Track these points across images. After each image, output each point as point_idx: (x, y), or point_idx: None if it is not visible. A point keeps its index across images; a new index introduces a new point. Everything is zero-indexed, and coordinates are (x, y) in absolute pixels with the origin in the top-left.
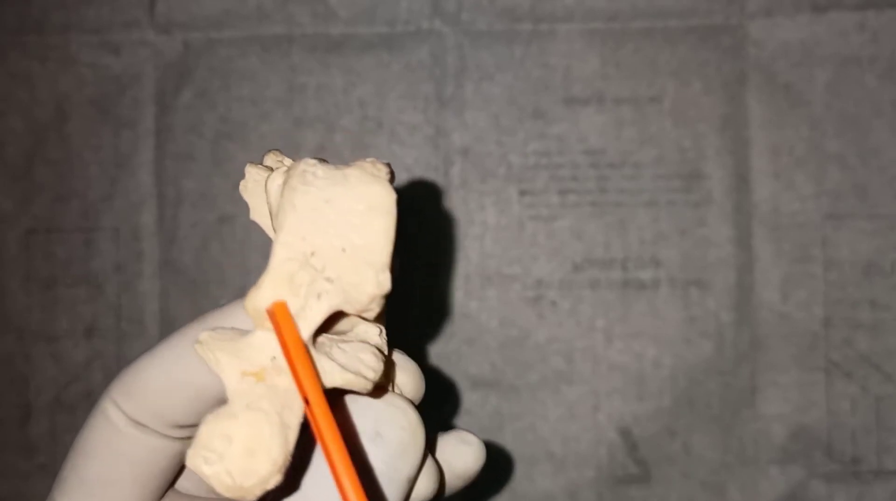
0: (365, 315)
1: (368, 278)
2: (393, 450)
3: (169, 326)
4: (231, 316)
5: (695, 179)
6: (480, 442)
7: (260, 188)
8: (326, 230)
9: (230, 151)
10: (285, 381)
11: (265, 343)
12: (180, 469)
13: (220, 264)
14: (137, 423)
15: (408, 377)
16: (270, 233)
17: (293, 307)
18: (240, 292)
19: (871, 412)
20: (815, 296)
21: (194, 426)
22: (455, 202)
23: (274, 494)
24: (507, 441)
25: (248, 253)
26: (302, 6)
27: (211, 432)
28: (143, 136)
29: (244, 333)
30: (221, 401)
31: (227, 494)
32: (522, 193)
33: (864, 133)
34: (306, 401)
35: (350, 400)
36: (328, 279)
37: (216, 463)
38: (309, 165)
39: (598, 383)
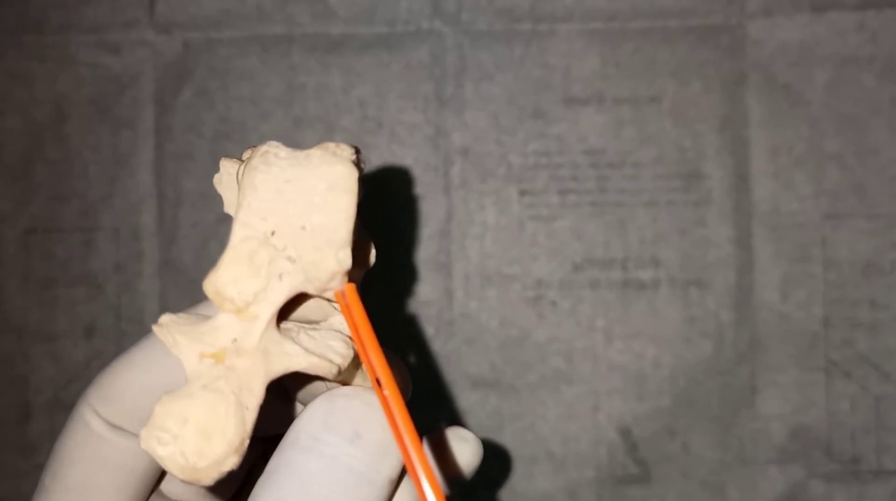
0: (326, 295)
1: (328, 255)
2: (373, 451)
3: None
4: (205, 309)
5: (694, 179)
6: (477, 439)
7: (234, 180)
8: (287, 210)
9: (230, 150)
10: (245, 362)
11: (226, 326)
12: (163, 471)
13: None
14: (117, 427)
15: (395, 374)
16: None
17: (252, 288)
18: None
19: (870, 412)
20: (815, 296)
21: None
22: (455, 202)
23: (233, 479)
24: (507, 441)
25: None
26: (302, 6)
27: (165, 412)
28: (142, 135)
29: (206, 317)
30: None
31: (182, 476)
32: (522, 193)
33: (863, 133)
34: (378, 384)
35: (329, 397)
36: (289, 259)
37: (170, 444)
38: (272, 147)
39: (597, 383)
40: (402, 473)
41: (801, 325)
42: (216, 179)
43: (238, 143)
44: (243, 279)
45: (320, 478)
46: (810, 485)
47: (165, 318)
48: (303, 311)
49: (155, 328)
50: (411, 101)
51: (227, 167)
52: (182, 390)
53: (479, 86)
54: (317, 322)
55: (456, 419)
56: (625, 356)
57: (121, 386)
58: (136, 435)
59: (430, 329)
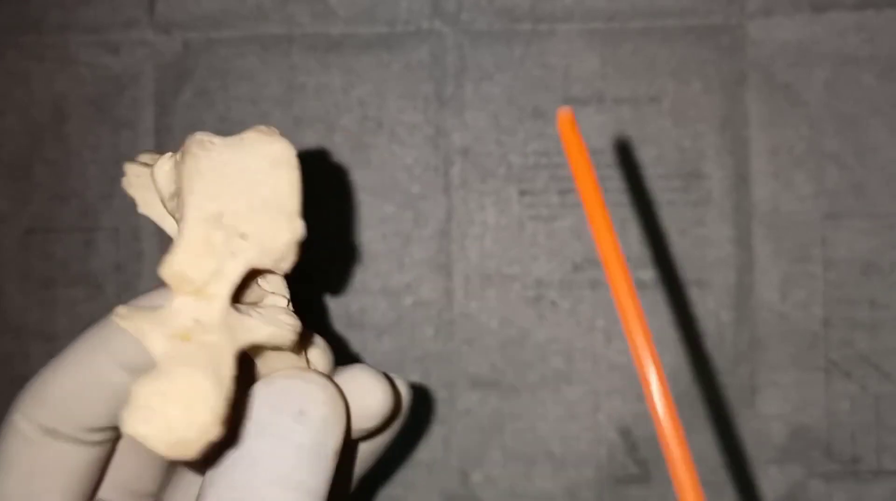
0: (282, 265)
1: (282, 226)
2: (318, 426)
3: None
4: (148, 300)
5: (694, 179)
6: (383, 378)
7: (145, 180)
8: (234, 190)
9: None
10: (213, 338)
11: (186, 308)
12: (101, 474)
13: None
14: (51, 430)
15: (318, 352)
16: (162, 223)
17: (209, 268)
18: None
19: (870, 412)
20: (815, 296)
21: (109, 428)
22: (455, 202)
23: (215, 451)
24: (507, 441)
25: None
26: (301, 6)
27: (146, 392)
28: (142, 135)
29: (160, 305)
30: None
31: (169, 452)
32: (522, 193)
33: (863, 133)
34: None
35: (269, 382)
36: (242, 236)
37: (154, 421)
38: (204, 135)
39: (597, 383)
40: (343, 444)
41: (801, 325)
42: (124, 182)
43: None
44: (200, 260)
45: (271, 457)
46: (810, 485)
47: (123, 309)
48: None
49: (116, 319)
50: (411, 101)
51: (134, 170)
52: (156, 370)
53: (479, 86)
54: (255, 304)
55: (456, 420)
56: (625, 357)
57: (54, 388)
58: (71, 437)
59: (429, 329)
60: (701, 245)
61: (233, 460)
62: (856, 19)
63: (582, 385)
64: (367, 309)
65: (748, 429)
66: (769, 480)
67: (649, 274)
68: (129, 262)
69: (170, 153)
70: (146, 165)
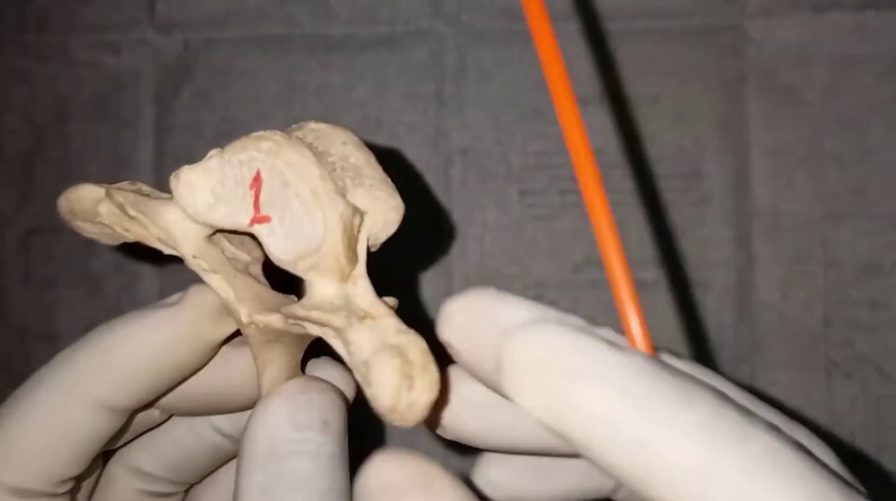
0: (383, 237)
1: (391, 199)
2: (340, 429)
3: None
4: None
5: (694, 179)
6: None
7: (133, 202)
8: (345, 174)
9: None
10: (368, 314)
11: (340, 291)
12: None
13: None
14: (21, 491)
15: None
16: (161, 243)
17: (352, 250)
18: None
19: (870, 412)
20: (815, 296)
21: (81, 475)
22: (455, 202)
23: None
24: None
25: None
26: (302, 6)
27: (384, 369)
28: (142, 135)
29: (292, 300)
30: (111, 438)
31: (403, 419)
32: (522, 193)
33: (863, 133)
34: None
35: (285, 398)
36: (363, 215)
37: (387, 390)
38: (267, 133)
39: None
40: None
41: (802, 325)
42: (107, 216)
43: None
44: (346, 247)
45: (314, 477)
46: None
47: (299, 311)
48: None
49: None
50: (411, 101)
51: (120, 198)
52: (375, 352)
53: (479, 86)
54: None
55: None
56: None
57: (17, 446)
58: (44, 494)
59: (429, 329)
60: (701, 245)
61: (277, 486)
62: (856, 20)
63: None
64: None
65: None
66: None
67: (650, 274)
68: (129, 262)
69: (189, 166)
70: (129, 190)
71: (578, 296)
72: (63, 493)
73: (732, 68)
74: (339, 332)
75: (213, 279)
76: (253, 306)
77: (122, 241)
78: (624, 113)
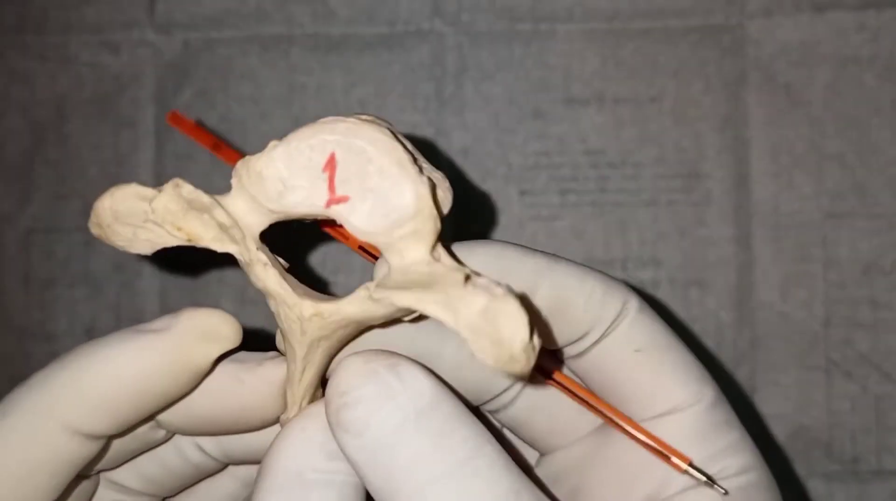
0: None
1: (443, 182)
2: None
3: None
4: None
5: (695, 179)
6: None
7: (188, 201)
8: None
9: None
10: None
11: (427, 258)
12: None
13: (219, 263)
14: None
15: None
16: (215, 243)
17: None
18: (239, 290)
19: (870, 412)
20: (815, 296)
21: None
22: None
23: None
24: None
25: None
26: (302, 6)
27: (478, 323)
28: (142, 135)
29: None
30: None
31: (511, 367)
32: (522, 193)
33: (864, 132)
34: None
35: (300, 430)
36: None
37: (489, 344)
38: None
39: None
40: None
41: (802, 325)
42: (161, 207)
43: (238, 142)
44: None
45: None
46: (810, 485)
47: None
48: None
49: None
50: (411, 101)
51: (182, 191)
52: (478, 308)
53: (479, 86)
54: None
55: None
56: None
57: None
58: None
59: None
60: (701, 245)
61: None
62: (857, 19)
63: None
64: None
65: (748, 429)
66: None
67: (649, 274)
68: (129, 262)
69: (256, 155)
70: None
71: None
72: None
73: (732, 68)
74: (448, 296)
75: (269, 273)
76: (311, 299)
77: (163, 246)
78: (624, 113)
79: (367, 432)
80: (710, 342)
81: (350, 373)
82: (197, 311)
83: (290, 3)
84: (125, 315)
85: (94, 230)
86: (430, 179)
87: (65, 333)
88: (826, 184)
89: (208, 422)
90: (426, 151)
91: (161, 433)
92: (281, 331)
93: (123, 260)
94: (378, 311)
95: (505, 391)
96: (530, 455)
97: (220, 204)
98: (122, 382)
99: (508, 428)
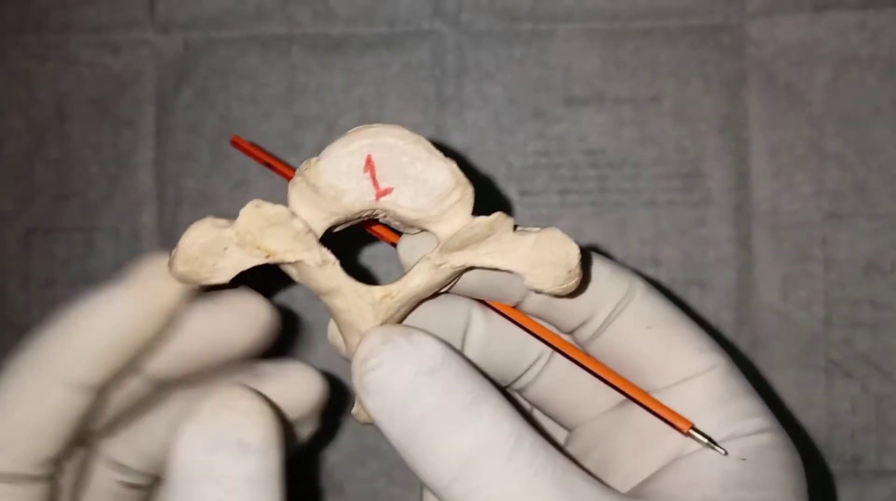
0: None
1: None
2: (261, 449)
3: None
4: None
5: (695, 179)
6: (316, 372)
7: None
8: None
9: (230, 150)
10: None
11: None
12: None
13: None
14: (4, 475)
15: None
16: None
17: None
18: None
19: (871, 412)
20: (815, 296)
21: (60, 457)
22: None
23: None
24: None
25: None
26: (302, 6)
27: (532, 267)
28: (143, 135)
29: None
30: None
31: (565, 288)
32: (522, 193)
33: (864, 132)
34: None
35: (196, 421)
36: None
37: (547, 277)
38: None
39: None
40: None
41: (802, 325)
42: (241, 230)
43: None
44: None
45: (225, 499)
46: (810, 485)
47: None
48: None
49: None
50: (411, 101)
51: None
52: (525, 253)
53: (479, 86)
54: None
55: None
56: None
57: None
58: (22, 476)
59: None
60: (701, 245)
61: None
62: (857, 19)
63: None
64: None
65: None
66: None
67: (649, 274)
68: (129, 262)
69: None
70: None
71: None
72: (44, 477)
73: (732, 68)
74: (500, 243)
75: (339, 270)
76: (363, 287)
77: (242, 268)
78: (624, 113)
79: (386, 390)
80: None
81: (371, 343)
82: (157, 255)
83: (290, 3)
84: None
85: (182, 268)
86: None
87: None
88: (826, 184)
89: (192, 360)
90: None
91: (140, 387)
92: (340, 324)
93: (123, 260)
94: (438, 278)
95: (529, 368)
96: (560, 436)
97: (296, 213)
98: (104, 330)
99: (536, 406)
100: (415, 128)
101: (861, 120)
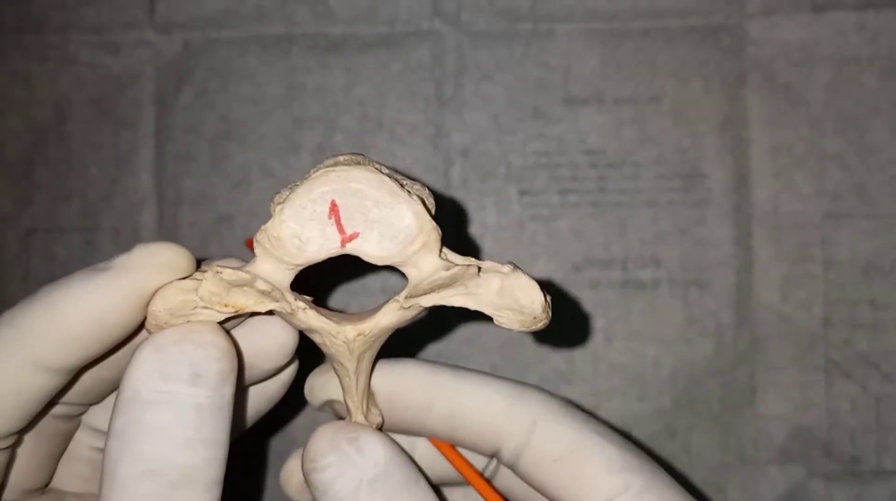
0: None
1: (422, 185)
2: (214, 383)
3: None
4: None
5: (695, 179)
6: (288, 326)
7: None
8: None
9: (230, 151)
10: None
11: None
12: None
13: None
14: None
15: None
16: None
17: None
18: None
19: (870, 412)
20: (815, 296)
21: (24, 429)
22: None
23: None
24: None
25: (247, 253)
26: (302, 6)
27: (497, 302)
28: (142, 136)
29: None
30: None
31: (530, 326)
32: (522, 193)
33: (864, 133)
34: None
35: (155, 347)
36: None
37: (508, 314)
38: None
39: (598, 383)
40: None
41: (802, 325)
42: (206, 294)
43: (238, 143)
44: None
45: (174, 426)
46: (810, 485)
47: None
48: None
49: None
50: (411, 101)
51: (224, 276)
52: (494, 289)
53: (479, 86)
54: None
55: None
56: (625, 356)
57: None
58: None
59: (430, 329)
60: (701, 245)
61: (136, 430)
62: (857, 19)
63: (582, 386)
64: (368, 309)
65: (748, 429)
66: (769, 480)
67: (649, 274)
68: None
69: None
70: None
71: (578, 296)
72: (5, 448)
73: (732, 68)
74: (466, 287)
75: (310, 315)
76: (348, 322)
77: (214, 321)
78: (624, 113)
79: (330, 491)
80: (710, 342)
81: (319, 444)
82: (150, 245)
83: (290, 3)
84: None
85: (153, 330)
86: (418, 197)
87: None
88: (826, 184)
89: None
90: (423, 154)
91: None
92: (328, 356)
93: None
94: (408, 315)
95: (487, 465)
96: None
97: (257, 275)
98: (87, 316)
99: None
100: (414, 128)
101: (861, 120)
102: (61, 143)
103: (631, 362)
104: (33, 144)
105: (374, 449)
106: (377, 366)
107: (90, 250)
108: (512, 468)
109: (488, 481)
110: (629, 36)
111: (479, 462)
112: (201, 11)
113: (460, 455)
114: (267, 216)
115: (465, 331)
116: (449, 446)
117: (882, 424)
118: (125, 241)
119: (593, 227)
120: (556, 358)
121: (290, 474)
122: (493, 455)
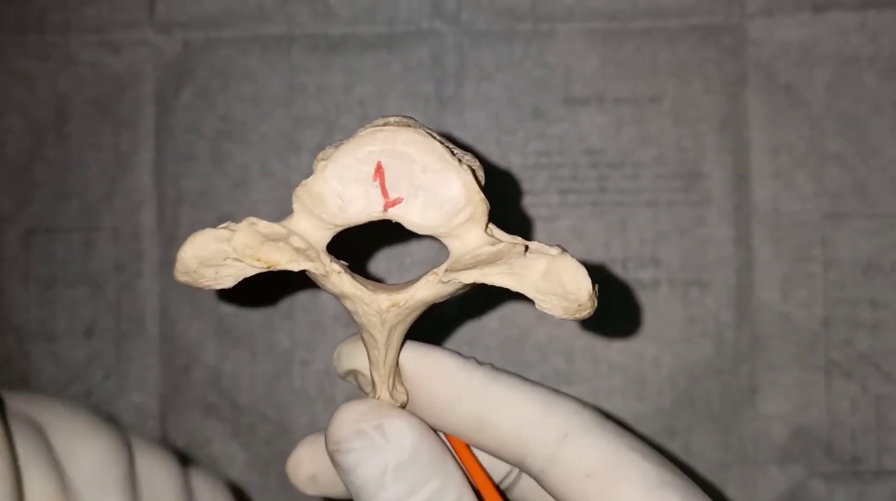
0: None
1: (472, 156)
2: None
3: (169, 326)
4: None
5: (695, 179)
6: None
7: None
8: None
9: (230, 150)
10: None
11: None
12: None
13: None
14: None
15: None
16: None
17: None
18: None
19: (870, 412)
20: (815, 296)
21: None
22: None
23: None
24: None
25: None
26: (302, 6)
27: (542, 287)
28: (143, 136)
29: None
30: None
31: (576, 314)
32: (522, 193)
33: (864, 132)
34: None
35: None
36: None
37: (556, 300)
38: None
39: (598, 382)
40: None
41: (802, 325)
42: (239, 244)
43: (238, 143)
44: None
45: None
46: (810, 485)
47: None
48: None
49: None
50: (411, 101)
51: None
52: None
53: (479, 86)
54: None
55: None
56: (625, 356)
57: None
58: None
59: (429, 329)
60: (701, 245)
61: None
62: (857, 19)
63: (582, 385)
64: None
65: (748, 429)
66: (769, 480)
67: (649, 274)
68: (129, 262)
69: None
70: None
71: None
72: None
73: (732, 68)
74: (510, 266)
75: (344, 279)
76: (384, 292)
77: (245, 276)
78: (624, 113)
79: (355, 473)
80: (710, 342)
81: (342, 429)
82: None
83: (290, 3)
84: (125, 315)
85: (182, 278)
86: (468, 166)
87: (65, 333)
88: (826, 184)
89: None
90: None
91: None
92: (358, 326)
93: (123, 260)
94: (446, 290)
95: (507, 474)
96: None
97: (293, 231)
98: None
99: None
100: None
101: (861, 120)
102: (61, 143)
103: (631, 361)
104: (33, 143)
105: (401, 435)
106: (406, 346)
107: (90, 249)
108: (537, 479)
109: (503, 493)
110: (629, 36)
111: (499, 469)
112: (201, 11)
113: (476, 459)
114: (267, 217)
115: (465, 331)
116: (464, 445)
117: (882, 424)
118: (125, 241)
119: (593, 227)
120: (556, 358)
121: (298, 463)
122: (516, 465)
